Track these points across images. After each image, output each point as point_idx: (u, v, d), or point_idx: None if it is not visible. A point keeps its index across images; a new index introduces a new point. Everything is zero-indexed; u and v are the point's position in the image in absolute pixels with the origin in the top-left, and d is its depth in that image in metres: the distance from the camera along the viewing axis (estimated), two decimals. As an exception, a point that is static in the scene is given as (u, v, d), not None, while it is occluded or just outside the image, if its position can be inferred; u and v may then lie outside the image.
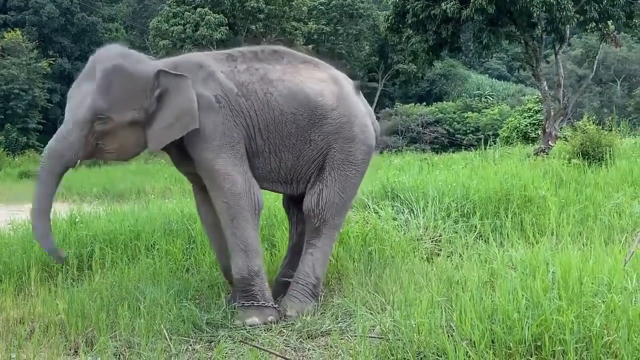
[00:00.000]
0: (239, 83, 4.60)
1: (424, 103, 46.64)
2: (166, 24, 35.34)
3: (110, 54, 4.47)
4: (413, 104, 45.47)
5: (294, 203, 5.17)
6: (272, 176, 4.76)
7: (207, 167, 4.52)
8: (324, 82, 4.83)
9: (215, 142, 4.45)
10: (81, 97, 4.36)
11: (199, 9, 34.73)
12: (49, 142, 4.47)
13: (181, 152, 4.61)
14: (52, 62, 39.51)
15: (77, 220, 7.18)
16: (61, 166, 4.42)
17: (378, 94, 46.53)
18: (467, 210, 6.65)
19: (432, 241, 6.12)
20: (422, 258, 5.59)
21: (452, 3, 16.95)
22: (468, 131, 41.86)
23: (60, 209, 8.24)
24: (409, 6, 18.43)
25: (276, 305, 4.59)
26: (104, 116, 4.31)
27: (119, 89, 4.34)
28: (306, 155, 4.74)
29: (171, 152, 4.70)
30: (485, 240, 5.77)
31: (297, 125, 4.66)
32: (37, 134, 37.41)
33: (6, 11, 43.78)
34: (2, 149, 29.99)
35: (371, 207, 6.92)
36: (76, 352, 4.08)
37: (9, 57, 36.79)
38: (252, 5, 35.15)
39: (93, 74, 4.37)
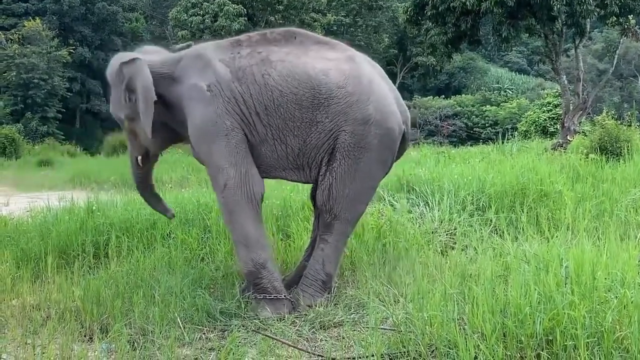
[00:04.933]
0: (236, 68, 4.50)
1: (443, 96, 46.55)
2: (185, 14, 35.41)
3: (112, 60, 4.88)
4: (431, 96, 45.40)
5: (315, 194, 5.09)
6: (282, 163, 4.58)
7: (202, 160, 4.58)
8: (332, 61, 4.57)
9: (209, 133, 4.43)
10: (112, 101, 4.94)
11: (217, 0, 34.74)
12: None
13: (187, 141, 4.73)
14: (72, 51, 39.66)
15: (94, 208, 7.23)
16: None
17: (396, 86, 46.28)
18: (482, 204, 6.64)
19: (446, 234, 6.11)
20: (437, 251, 5.57)
21: (471, -5, 16.87)
22: (486, 125, 41.74)
23: (78, 197, 8.33)
24: (428, -2, 18.38)
25: (289, 297, 4.55)
26: (130, 117, 4.72)
27: (113, 90, 4.76)
28: (313, 138, 4.48)
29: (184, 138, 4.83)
30: (500, 234, 5.74)
31: (300, 106, 4.42)
32: (57, 122, 37.71)
33: (27, 0, 44.01)
34: (22, 137, 30.17)
35: (386, 199, 6.92)
36: (91, 338, 4.12)
37: (29, 45, 36.99)
38: (271, -4, 35.15)
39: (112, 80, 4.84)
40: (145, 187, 5.28)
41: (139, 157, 5.00)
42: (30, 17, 39.95)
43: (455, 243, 5.86)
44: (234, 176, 4.39)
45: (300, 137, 4.48)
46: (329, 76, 4.47)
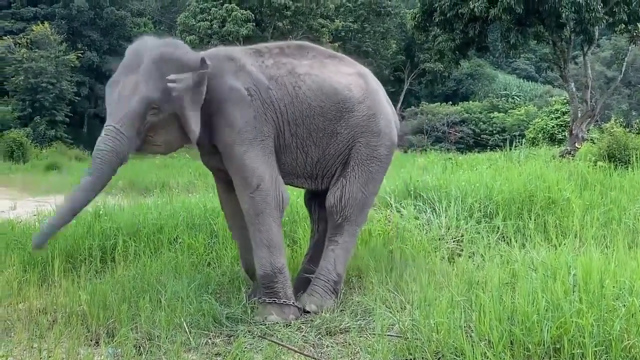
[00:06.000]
0: (269, 76, 4.59)
1: (450, 102, 46.46)
2: (193, 20, 35.49)
3: (156, 44, 4.37)
4: (439, 103, 45.31)
5: (316, 200, 5.18)
6: (298, 171, 4.77)
7: (235, 161, 4.45)
8: (351, 76, 4.86)
9: (246, 136, 4.42)
10: (129, 90, 4.18)
11: (225, 5, 34.79)
12: (98, 142, 4.19)
13: (212, 145, 4.57)
14: (80, 55, 39.67)
15: (101, 212, 7.25)
16: (116, 164, 4.24)
17: (404, 92, 46.39)
18: (490, 211, 6.63)
19: (454, 241, 6.10)
20: (444, 258, 5.57)
21: (479, 2, 16.83)
22: (494, 131, 41.65)
23: (85, 201, 8.32)
24: (436, 4, 18.36)
25: (297, 304, 4.60)
26: (157, 106, 4.20)
27: (146, 74, 4.22)
28: (332, 149, 4.76)
29: (203, 146, 4.62)
30: (507, 242, 5.74)
31: (325, 118, 4.67)
32: (65, 126, 37.66)
33: (36, 4, 44.15)
34: (30, 141, 30.21)
35: (393, 205, 6.92)
36: (97, 342, 4.12)
37: (37, 50, 37.04)
38: (279, 2, 35.13)
39: (136, 65, 4.25)
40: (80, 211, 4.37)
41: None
42: (38, 22, 39.99)
43: (463, 250, 5.85)
44: (268, 179, 4.46)
45: (321, 147, 4.72)
46: (352, 91, 4.77)
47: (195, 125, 4.27)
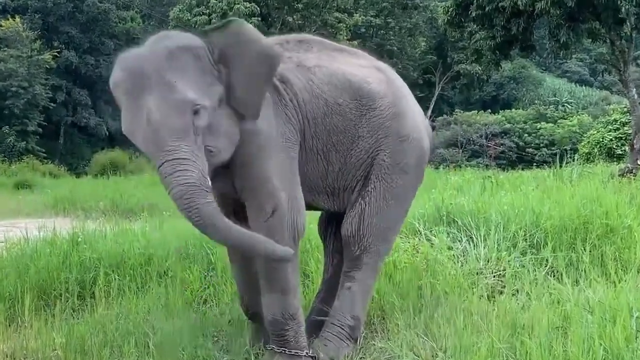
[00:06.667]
0: (280, 69, 4.33)
1: (489, 110, 46.50)
2: (189, 14, 35.76)
3: (160, 45, 3.93)
4: (476, 111, 45.37)
5: (332, 227, 5.08)
6: (320, 184, 4.56)
7: (251, 180, 4.20)
8: (366, 68, 4.72)
9: (268, 142, 4.19)
10: (158, 107, 3.70)
11: (227, -3, 35.03)
12: (173, 188, 3.67)
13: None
14: (56, 54, 39.93)
15: (79, 239, 7.24)
16: (207, 196, 3.72)
17: (435, 98, 46.47)
18: (537, 241, 6.59)
19: (494, 276, 6.07)
20: (482, 296, 5.54)
21: (524, -7, 16.89)
22: (541, 145, 41.63)
23: (61, 226, 8.38)
24: (473, -4, 18.43)
25: (311, 354, 4.50)
26: (199, 105, 3.78)
27: (193, 69, 3.88)
28: (354, 155, 4.57)
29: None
30: (557, 277, 5.71)
31: (344, 117, 4.50)
32: (37, 137, 37.82)
33: (5, -5, 44.45)
34: (-4, 155, 30.49)
35: (423, 233, 6.90)
36: (74, 394, 4.13)
37: (6, 48, 37.26)
38: (288, -8, 35.35)
39: (149, 80, 3.75)
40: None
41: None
42: (8, 15, 40.24)
43: (505, 286, 5.82)
44: (285, 203, 4.20)
45: (342, 153, 4.53)
46: (371, 84, 4.59)
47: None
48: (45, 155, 36.18)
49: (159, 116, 3.67)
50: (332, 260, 5.12)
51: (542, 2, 16.55)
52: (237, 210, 4.41)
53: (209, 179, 3.76)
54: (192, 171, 3.65)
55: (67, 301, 5.83)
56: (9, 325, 5.32)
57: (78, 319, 5.35)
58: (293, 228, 4.25)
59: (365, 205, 4.60)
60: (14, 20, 38.63)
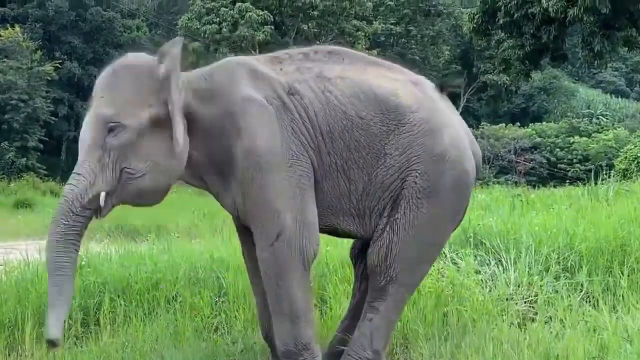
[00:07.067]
0: (292, 80, 4.42)
1: (518, 123, 46.50)
2: (198, 22, 35.98)
3: (114, 63, 4.42)
4: (504, 124, 45.38)
5: (363, 251, 4.89)
6: (342, 205, 4.47)
7: (252, 201, 4.28)
8: (398, 82, 4.59)
9: (269, 159, 4.22)
10: (84, 121, 4.27)
11: (238, 4, 35.16)
12: (64, 189, 4.12)
13: (224, 177, 4.41)
14: (58, 65, 40.01)
15: (82, 262, 7.25)
16: (82, 214, 4.06)
17: (460, 110, 46.40)
18: (571, 264, 6.56)
19: (525, 302, 6.05)
20: (513, 323, 5.51)
21: (555, 0, 16.88)
22: (574, 160, 41.55)
23: (64, 249, 8.37)
24: (500, 3, 18.45)
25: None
26: (115, 123, 4.08)
27: (127, 87, 4.20)
28: (380, 174, 4.43)
29: (210, 175, 4.47)
30: (593, 304, 5.68)
31: (367, 132, 4.38)
32: (38, 153, 37.92)
33: (5, 3, 44.65)
34: (-5, 172, 30.60)
35: (448, 256, 6.88)
36: None
37: (5, 59, 37.36)
38: (303, 0, 35.33)
39: (93, 95, 4.32)
40: (74, 246, 4.20)
41: (103, 194, 4.14)
42: (7, 25, 40.42)
43: (537, 313, 5.79)
44: (291, 225, 4.22)
45: (365, 170, 4.42)
46: (400, 98, 4.46)
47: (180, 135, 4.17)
48: (46, 172, 36.27)
49: (82, 129, 4.20)
50: (359, 285, 4.97)
51: (575, 8, 16.56)
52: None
53: (100, 198, 4.06)
54: (74, 186, 4.05)
55: (70, 329, 5.83)
56: (9, 355, 5.34)
57: (82, 347, 5.37)
58: (302, 252, 4.26)
59: (394, 233, 4.44)
60: (14, 30, 38.68)
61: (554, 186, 26.17)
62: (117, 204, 4.27)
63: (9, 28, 38.96)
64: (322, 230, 4.49)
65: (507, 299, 6.04)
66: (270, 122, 4.26)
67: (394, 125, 4.41)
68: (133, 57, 4.42)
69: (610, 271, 6.41)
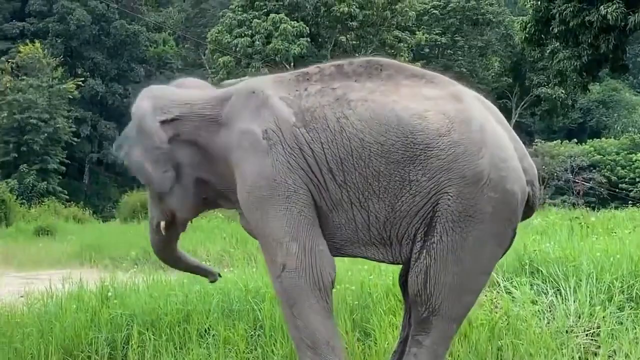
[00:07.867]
0: (303, 109, 4.45)
1: (575, 140, 46.14)
2: (228, 35, 36.15)
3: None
4: (559, 141, 45.09)
5: None
6: (362, 236, 4.46)
7: (253, 230, 4.58)
8: (431, 100, 4.44)
9: (262, 193, 4.37)
10: None
11: (272, 15, 35.27)
12: None
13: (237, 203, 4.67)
14: (80, 83, 40.33)
15: (109, 293, 7.32)
16: None
17: (511, 126, 46.22)
18: (636, 293, 6.50)
19: (586, 334, 6.01)
20: (573, 358, 5.48)
21: (614, 7, 16.79)
22: (637, 179, 41.12)
23: (88, 278, 8.47)
24: (555, 10, 18.36)
25: None
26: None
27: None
28: (405, 203, 4.35)
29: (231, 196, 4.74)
30: (662, 336, 5.63)
31: (388, 160, 4.30)
32: (59, 177, 38.23)
33: (24, 18, 45.20)
34: (15, 197, 30.77)
35: (502, 285, 6.85)
36: None
37: (25, 77, 37.71)
38: (341, 10, 35.36)
39: None
40: (169, 255, 5.46)
41: (162, 223, 5.04)
42: (27, 41, 40.78)
43: (599, 347, 5.76)
44: (297, 254, 4.29)
45: (386, 200, 4.36)
46: (427, 120, 4.35)
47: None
48: (68, 197, 36.59)
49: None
50: (409, 315, 4.85)
51: (636, 15, 16.45)
52: None
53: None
54: None
55: (96, 364, 5.89)
56: (32, 392, 5.39)
57: (109, 384, 5.40)
58: (314, 279, 4.33)
59: (431, 258, 4.36)
60: (34, 46, 39.10)
61: (616, 208, 25.99)
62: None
63: (29, 44, 39.35)
64: (350, 256, 4.62)
65: (566, 332, 6.00)
66: (261, 158, 4.40)
67: (419, 150, 4.30)
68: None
69: (680, 300, 6.35)
